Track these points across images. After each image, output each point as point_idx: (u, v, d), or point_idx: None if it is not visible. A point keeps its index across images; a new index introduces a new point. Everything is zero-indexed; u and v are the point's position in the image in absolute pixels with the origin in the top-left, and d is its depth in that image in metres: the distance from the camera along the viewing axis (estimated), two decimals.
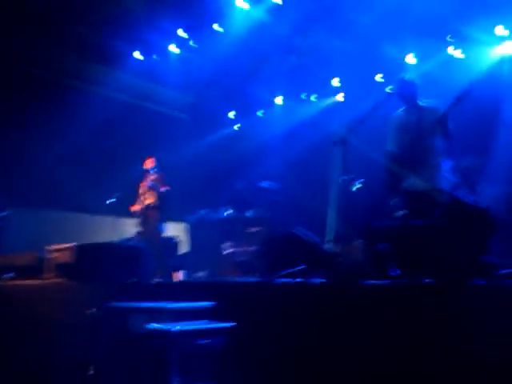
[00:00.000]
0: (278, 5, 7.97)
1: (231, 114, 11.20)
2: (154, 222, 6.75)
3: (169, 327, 3.19)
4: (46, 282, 4.97)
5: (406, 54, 8.41)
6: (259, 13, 8.32)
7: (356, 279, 3.42)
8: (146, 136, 9.68)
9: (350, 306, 3.10)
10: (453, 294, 2.79)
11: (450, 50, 8.08)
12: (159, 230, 6.82)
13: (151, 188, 6.79)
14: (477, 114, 6.65)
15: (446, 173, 5.70)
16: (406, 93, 4.91)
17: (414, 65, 8.37)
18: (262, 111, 10.92)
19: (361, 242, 4.25)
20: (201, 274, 6.20)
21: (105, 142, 9.01)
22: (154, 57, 9.32)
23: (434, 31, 7.74)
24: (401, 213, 5.30)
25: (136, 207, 6.94)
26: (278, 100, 10.47)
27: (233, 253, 6.85)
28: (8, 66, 8.52)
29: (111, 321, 3.80)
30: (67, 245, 5.24)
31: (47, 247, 5.48)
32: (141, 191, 7.03)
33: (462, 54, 8.00)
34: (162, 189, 6.83)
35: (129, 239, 7.02)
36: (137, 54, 9.21)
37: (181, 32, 8.70)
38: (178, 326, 3.19)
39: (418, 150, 4.72)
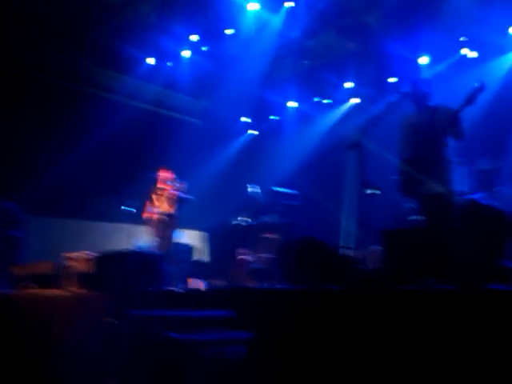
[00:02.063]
0: (289, 8, 7.97)
1: (244, 119, 11.21)
2: (171, 229, 6.81)
3: (187, 336, 3.19)
4: (64, 291, 5.02)
5: (419, 55, 8.33)
6: (271, 16, 8.35)
7: (374, 285, 3.40)
8: (160, 142, 9.74)
9: (369, 313, 3.08)
10: (470, 300, 2.75)
11: (464, 51, 7.98)
12: (173, 237, 6.89)
13: (180, 198, 6.86)
14: (494, 116, 6.59)
15: (462, 175, 5.65)
16: (420, 93, 4.87)
17: (427, 66, 8.28)
18: (276, 116, 10.91)
19: (377, 247, 4.23)
20: (217, 281, 6.20)
21: (119, 149, 9.07)
22: (168, 63, 9.37)
23: (448, 32, 7.67)
24: (416, 216, 5.26)
25: (150, 215, 6.99)
26: (292, 104, 10.44)
27: (248, 260, 6.84)
28: (22, 74, 8.63)
29: (129, 329, 3.81)
30: (84, 253, 5.29)
31: (64, 256, 5.54)
32: (154, 197, 7.06)
33: (475, 54, 7.87)
34: (190, 196, 6.94)
35: (146, 247, 7.07)
36: (150, 60, 9.27)
37: (193, 37, 8.74)
38: (196, 335, 3.19)
39: (431, 151, 4.67)
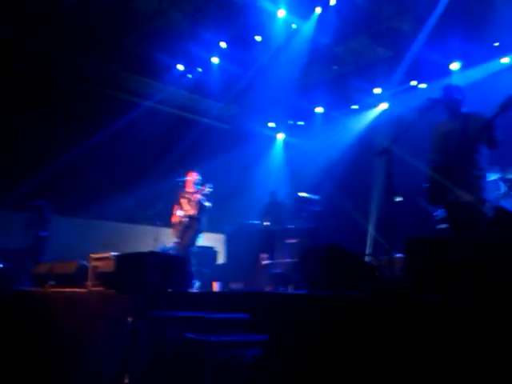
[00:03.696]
0: (318, 14, 7.96)
1: (272, 125, 11.22)
2: (193, 232, 6.82)
3: (205, 337, 3.19)
4: (87, 290, 5.08)
5: (451, 61, 8.18)
6: (300, 23, 8.34)
7: (397, 294, 3.32)
8: (189, 147, 9.83)
9: (390, 322, 3.00)
10: (498, 312, 2.65)
11: (498, 57, 7.80)
12: (196, 240, 6.90)
13: (200, 203, 6.87)
14: None
15: (492, 184, 5.49)
16: (451, 100, 4.74)
17: (459, 72, 8.12)
18: (303, 122, 10.87)
19: (401, 255, 4.13)
20: (235, 285, 6.19)
21: (148, 153, 9.19)
22: (198, 69, 9.47)
23: (481, 37, 7.51)
24: (445, 225, 5.12)
25: (176, 218, 7.03)
26: (320, 110, 10.40)
27: (269, 264, 6.80)
28: (54, 78, 8.85)
29: (150, 330, 3.83)
30: (108, 254, 5.35)
31: (89, 256, 5.61)
32: (182, 201, 7.11)
33: (507, 59, 7.69)
34: (206, 203, 6.94)
35: (168, 248, 7.13)
36: (180, 67, 9.38)
37: (223, 44, 8.80)
38: (213, 337, 3.18)
39: (462, 159, 4.55)
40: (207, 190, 6.88)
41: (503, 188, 5.76)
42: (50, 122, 8.46)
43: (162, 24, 8.70)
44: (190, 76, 9.58)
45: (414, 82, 8.71)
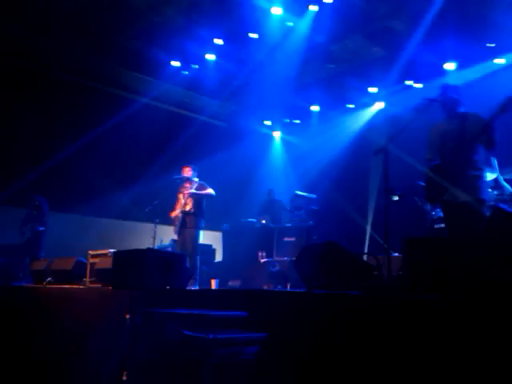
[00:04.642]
0: (315, 12, 7.96)
1: (268, 123, 11.22)
2: (191, 228, 6.76)
3: (202, 335, 3.19)
4: (85, 287, 5.08)
5: (446, 61, 8.22)
6: (296, 20, 8.34)
7: (391, 293, 3.34)
8: (185, 144, 9.81)
9: (387, 320, 3.02)
10: (495, 312, 2.67)
11: (493, 57, 7.84)
12: (196, 237, 6.83)
13: (192, 196, 6.82)
14: None
15: (490, 185, 5.52)
16: (448, 99, 4.74)
17: (455, 72, 8.15)
18: (299, 120, 10.88)
19: (399, 254, 4.16)
20: (233, 282, 6.17)
21: (145, 150, 9.17)
22: (194, 66, 9.43)
23: (476, 37, 7.54)
24: (441, 225, 5.15)
25: (174, 213, 7.01)
26: (316, 108, 10.40)
27: (267, 262, 6.79)
28: (48, 74, 8.79)
29: (147, 327, 3.82)
30: (106, 251, 5.34)
31: (87, 253, 5.60)
32: (179, 197, 7.09)
33: (502, 60, 7.72)
34: (207, 191, 6.86)
35: (166, 246, 7.10)
36: (176, 63, 9.34)
37: (219, 41, 8.78)
38: (212, 334, 3.18)
39: (459, 159, 4.55)
40: (196, 183, 6.86)
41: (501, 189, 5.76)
42: (46, 118, 8.43)
43: (158, 20, 8.66)
44: (185, 73, 9.53)
45: (409, 82, 8.73)
